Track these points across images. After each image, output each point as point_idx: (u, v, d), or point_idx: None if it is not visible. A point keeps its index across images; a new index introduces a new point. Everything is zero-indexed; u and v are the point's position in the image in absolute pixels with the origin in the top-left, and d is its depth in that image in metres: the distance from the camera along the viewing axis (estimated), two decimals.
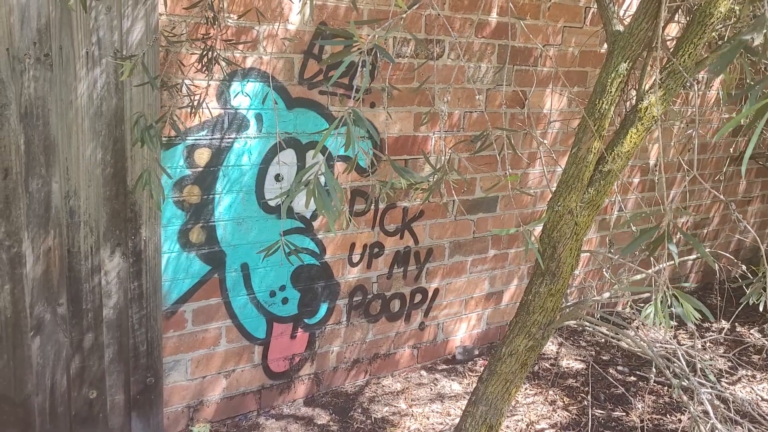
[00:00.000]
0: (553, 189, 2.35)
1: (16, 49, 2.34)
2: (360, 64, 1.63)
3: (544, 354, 4.15)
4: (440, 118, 3.25)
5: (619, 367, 3.98)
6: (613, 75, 2.22)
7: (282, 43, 2.89)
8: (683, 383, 2.22)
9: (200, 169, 2.82)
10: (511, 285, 4.19)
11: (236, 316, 3.09)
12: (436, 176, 1.94)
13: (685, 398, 2.15)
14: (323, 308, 3.37)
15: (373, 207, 3.40)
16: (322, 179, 1.59)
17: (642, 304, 3.82)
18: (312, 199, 1.50)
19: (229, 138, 2.86)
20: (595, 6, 3.92)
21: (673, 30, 3.74)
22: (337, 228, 3.29)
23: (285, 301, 3.23)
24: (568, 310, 2.30)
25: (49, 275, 2.58)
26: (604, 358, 4.13)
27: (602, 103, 2.23)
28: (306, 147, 3.09)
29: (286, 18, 2.89)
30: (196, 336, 3.00)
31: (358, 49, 1.54)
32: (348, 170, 2.39)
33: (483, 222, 3.89)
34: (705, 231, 5.39)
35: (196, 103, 2.46)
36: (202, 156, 2.82)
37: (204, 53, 2.34)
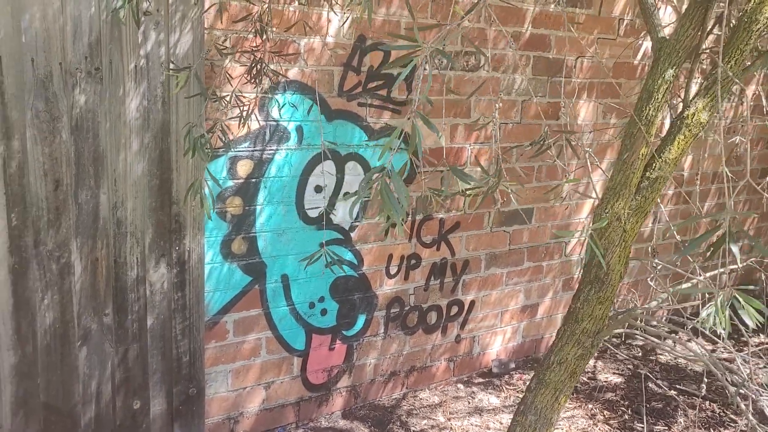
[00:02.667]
0: (589, 200, 2.34)
1: (69, 63, 2.40)
2: (412, 70, 1.63)
3: None
4: (493, 127, 3.25)
5: (659, 381, 3.92)
6: (659, 81, 2.22)
7: (322, 56, 2.92)
8: (740, 391, 2.18)
9: (242, 180, 2.86)
10: (546, 298, 4.16)
11: (276, 327, 3.10)
12: (490, 181, 1.94)
13: (742, 406, 2.11)
14: (361, 320, 3.37)
15: (409, 218, 3.41)
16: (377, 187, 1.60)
17: (679, 318, 3.77)
18: (378, 200, 1.51)
19: (270, 149, 2.89)
20: (629, 17, 3.93)
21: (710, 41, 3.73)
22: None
23: (324, 312, 3.23)
24: (618, 318, 2.27)
25: (96, 286, 2.62)
26: (642, 371, 4.07)
27: (649, 110, 2.23)
28: (345, 159, 3.11)
29: (326, 32, 2.92)
30: (237, 347, 3.01)
31: (416, 54, 1.55)
32: (401, 173, 2.37)
33: (518, 234, 3.87)
34: (740, 244, 5.32)
35: (245, 114, 2.49)
36: (244, 167, 2.85)
37: (253, 65, 2.37)
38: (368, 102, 3.12)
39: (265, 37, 2.35)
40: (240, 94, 2.59)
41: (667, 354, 4.32)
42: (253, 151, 2.85)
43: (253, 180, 2.89)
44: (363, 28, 3.02)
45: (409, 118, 1.57)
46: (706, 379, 3.17)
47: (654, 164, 2.27)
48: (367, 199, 1.61)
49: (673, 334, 2.31)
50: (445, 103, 3.35)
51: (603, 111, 4.02)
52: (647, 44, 4.08)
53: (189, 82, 2.54)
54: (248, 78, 2.44)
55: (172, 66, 2.49)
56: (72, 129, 2.45)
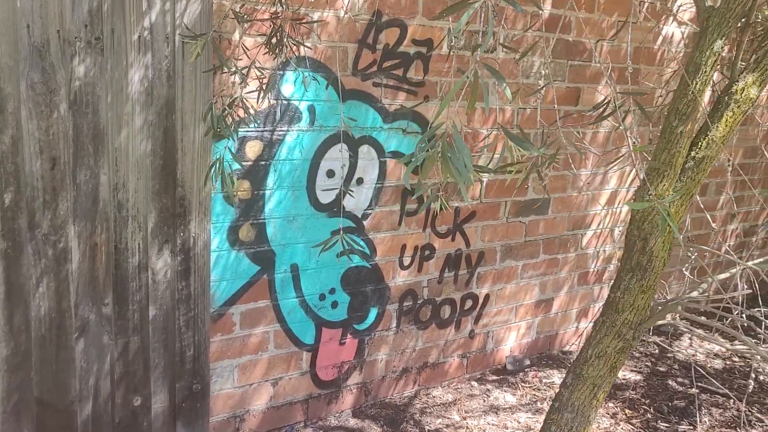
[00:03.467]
0: (606, 190, 2.17)
1: (67, 31, 2.22)
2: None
3: None
4: (538, 95, 3.04)
5: (679, 379, 3.77)
6: (708, 53, 2.07)
7: (336, 32, 2.75)
8: None
9: (251, 162, 2.68)
10: (561, 292, 4.00)
11: (284, 320, 2.93)
12: (545, 153, 1.76)
13: None
14: (373, 313, 3.20)
15: (424, 207, 3.24)
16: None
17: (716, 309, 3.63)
18: (438, 165, 1.34)
19: (281, 130, 2.72)
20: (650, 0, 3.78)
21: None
22: (390, 228, 3.13)
23: (335, 304, 3.06)
24: (659, 308, 2.11)
25: (95, 273, 2.43)
26: (661, 369, 3.92)
27: (696, 84, 2.07)
28: (359, 142, 2.94)
29: (341, 4, 2.75)
30: (244, 340, 2.83)
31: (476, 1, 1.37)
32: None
33: (534, 225, 3.71)
34: (754, 239, 5.19)
35: (264, 88, 2.30)
36: (254, 149, 2.67)
37: (273, 33, 2.19)
38: (383, 82, 2.95)
39: (285, 3, 2.17)
40: (259, 65, 2.40)
41: (684, 352, 4.18)
42: (263, 131, 2.68)
43: (263, 162, 2.71)
44: (378, 2, 2.85)
45: (476, 62, 1.37)
46: (753, 376, 3.00)
47: (700, 143, 2.11)
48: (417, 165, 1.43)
49: (722, 327, 2.15)
50: (460, 84, 3.18)
51: (621, 96, 3.86)
52: (667, 29, 3.93)
53: (201, 55, 2.37)
54: (267, 49, 2.25)
55: (185, 33, 2.31)
56: (70, 103, 2.27)
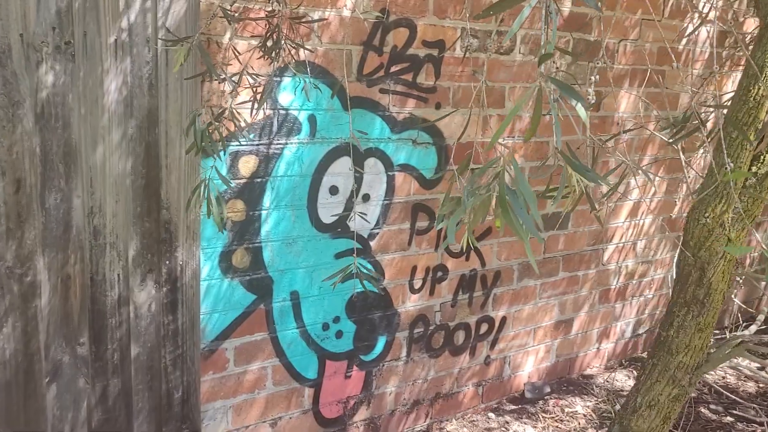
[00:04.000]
0: (628, 203, 1.89)
1: (32, 35, 1.93)
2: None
3: (621, 389, 3.67)
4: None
5: (712, 406, 3.48)
6: None
7: (338, 33, 2.47)
8: None
9: (244, 180, 2.39)
10: (582, 312, 3.72)
11: (284, 353, 2.63)
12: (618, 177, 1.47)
13: None
14: (381, 342, 2.91)
15: (436, 224, 2.95)
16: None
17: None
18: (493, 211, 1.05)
19: (278, 143, 2.43)
20: None
21: None
22: (399, 249, 2.84)
23: (339, 334, 2.77)
24: (722, 349, 1.83)
25: (68, 309, 2.14)
26: (692, 395, 3.63)
27: (758, 89, 1.79)
28: (365, 155, 2.66)
29: (344, 3, 2.47)
30: (239, 378, 2.54)
31: None
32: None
33: (554, 240, 3.43)
34: None
35: (259, 98, 2.01)
36: (248, 164, 2.39)
37: (268, 34, 1.90)
38: (391, 88, 2.67)
39: (281, 1, 1.88)
40: (253, 72, 2.11)
41: (713, 373, 3.90)
42: (258, 144, 2.39)
43: (258, 180, 2.42)
44: (386, 0, 2.56)
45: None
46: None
47: (763, 157, 1.83)
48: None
49: None
50: (475, 89, 2.90)
51: (644, 102, 3.59)
52: (692, 28, 3.66)
53: (185, 62, 2.08)
54: (262, 52, 1.96)
55: (167, 36, 2.02)
56: (37, 117, 1.98)
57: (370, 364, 2.90)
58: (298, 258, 2.58)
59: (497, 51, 2.94)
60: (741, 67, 3.90)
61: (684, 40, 3.66)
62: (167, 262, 2.28)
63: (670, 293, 1.93)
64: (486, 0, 2.81)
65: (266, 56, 1.93)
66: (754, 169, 1.83)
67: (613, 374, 3.83)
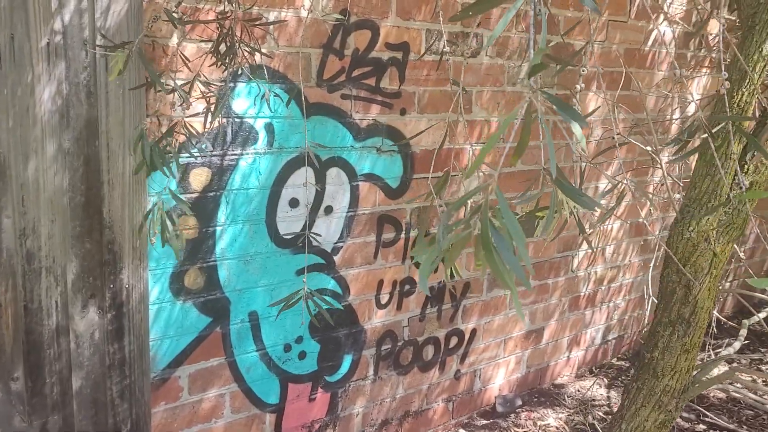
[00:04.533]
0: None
1: None
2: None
3: (593, 399, 3.58)
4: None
5: (684, 414, 3.42)
6: (756, 57, 1.69)
7: (296, 35, 2.30)
8: None
9: (196, 194, 2.21)
10: (552, 320, 3.62)
11: (243, 378, 2.46)
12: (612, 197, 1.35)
13: None
14: (347, 361, 2.76)
15: (403, 235, 2.81)
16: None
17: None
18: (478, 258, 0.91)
19: (233, 154, 2.26)
20: None
21: None
22: (364, 262, 2.69)
23: (302, 355, 2.60)
24: (707, 369, 1.72)
25: (0, 342, 1.93)
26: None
27: (742, 95, 1.69)
28: (326, 164, 2.50)
29: (301, 3, 2.30)
30: (194, 407, 2.35)
31: None
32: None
33: None
34: None
35: (213, 107, 1.84)
36: (200, 178, 2.20)
37: (221, 39, 1.72)
38: (353, 93, 2.51)
39: (234, 2, 1.71)
40: (203, 79, 1.93)
41: None
42: (211, 156, 2.21)
43: (212, 194, 2.24)
44: (346, 0, 2.41)
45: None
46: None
47: (747, 166, 1.73)
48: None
49: None
50: (441, 95, 2.77)
51: (611, 104, 3.51)
52: (659, 29, 3.60)
53: (124, 70, 1.89)
54: (215, 58, 1.79)
55: (104, 42, 1.83)
56: None
57: (335, 384, 2.74)
58: (257, 276, 2.41)
59: (464, 54, 2.81)
60: (706, 69, 3.87)
61: (650, 42, 3.59)
62: (111, 286, 2.08)
63: (654, 312, 1.82)
64: (452, 0, 2.68)
65: (219, 62, 1.75)
66: (738, 179, 1.74)
67: (584, 383, 3.75)
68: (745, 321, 3.00)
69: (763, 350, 4.01)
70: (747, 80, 1.70)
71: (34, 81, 1.85)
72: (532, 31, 1.06)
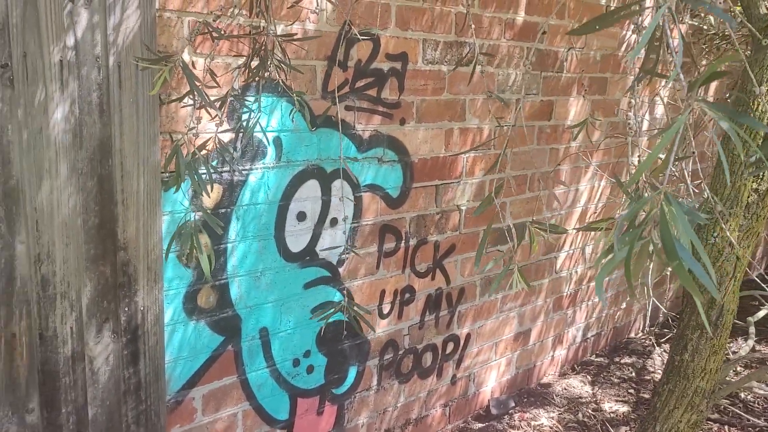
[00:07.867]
0: (576, 209, 1.85)
1: None
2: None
3: (580, 396, 3.68)
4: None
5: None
6: (766, 73, 1.77)
7: (302, 47, 2.28)
8: None
9: (209, 211, 2.16)
10: (538, 321, 3.70)
11: (254, 395, 2.42)
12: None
13: None
14: (352, 373, 2.75)
15: (403, 244, 2.82)
16: None
17: None
18: None
19: (243, 169, 2.22)
20: (615, 3, 3.55)
21: None
22: (368, 273, 2.69)
23: (310, 369, 2.58)
24: (729, 367, 1.80)
25: (14, 373, 1.84)
26: (645, 396, 3.69)
27: (758, 105, 1.77)
28: (331, 176, 2.48)
29: (306, 15, 2.28)
30: (208, 429, 2.30)
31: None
32: None
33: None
34: None
35: (246, 123, 1.80)
36: (212, 194, 2.16)
37: (254, 53, 1.69)
38: (356, 104, 2.51)
39: (267, 15, 1.68)
40: (238, 94, 1.88)
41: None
42: (221, 172, 2.17)
43: (223, 210, 2.20)
44: (346, 10, 2.40)
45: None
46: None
47: (762, 174, 1.82)
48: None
49: None
50: (437, 104, 2.80)
51: (592, 108, 3.62)
52: (633, 37, 3.72)
53: (142, 82, 1.84)
54: (247, 74, 1.75)
55: (144, 55, 1.77)
56: None
57: (342, 396, 2.73)
58: (267, 292, 2.37)
59: (458, 62, 2.84)
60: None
61: (624, 47, 3.72)
62: (126, 309, 2.02)
63: (680, 316, 1.89)
64: (445, 11, 2.70)
65: (252, 78, 1.72)
66: (755, 186, 1.83)
67: (568, 381, 3.84)
68: (750, 318, 3.12)
69: None
70: (758, 92, 1.78)
71: (47, 100, 1.77)
72: (681, 49, 1.07)
